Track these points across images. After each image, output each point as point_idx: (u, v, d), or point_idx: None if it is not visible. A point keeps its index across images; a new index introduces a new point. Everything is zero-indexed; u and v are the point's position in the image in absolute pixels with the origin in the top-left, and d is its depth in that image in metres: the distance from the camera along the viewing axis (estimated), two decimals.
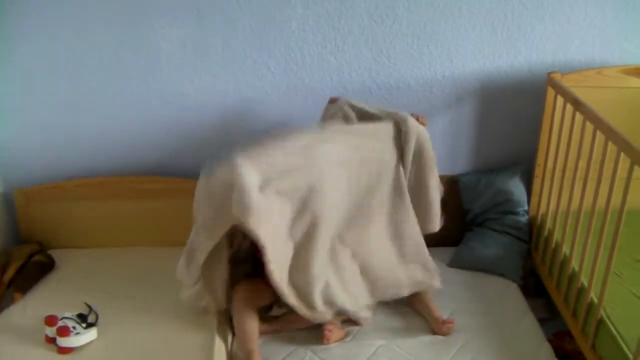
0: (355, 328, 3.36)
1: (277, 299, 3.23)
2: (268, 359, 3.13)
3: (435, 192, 3.57)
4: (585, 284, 3.16)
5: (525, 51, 3.88)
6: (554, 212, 3.64)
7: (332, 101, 3.62)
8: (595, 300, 3.04)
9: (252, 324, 3.17)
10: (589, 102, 3.20)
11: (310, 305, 3.13)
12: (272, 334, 3.32)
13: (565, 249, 3.47)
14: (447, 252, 3.99)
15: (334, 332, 3.23)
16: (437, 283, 3.50)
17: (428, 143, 3.47)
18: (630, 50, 3.89)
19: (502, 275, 3.80)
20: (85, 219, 3.99)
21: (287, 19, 3.71)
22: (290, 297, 3.08)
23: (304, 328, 3.29)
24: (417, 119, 3.48)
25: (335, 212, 3.26)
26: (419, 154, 3.47)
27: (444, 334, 3.30)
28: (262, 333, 3.24)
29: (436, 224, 3.61)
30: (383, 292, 3.41)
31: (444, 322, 3.30)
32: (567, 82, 3.61)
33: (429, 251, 3.58)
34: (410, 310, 3.49)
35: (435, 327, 3.34)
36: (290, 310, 3.23)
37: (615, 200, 2.83)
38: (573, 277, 3.33)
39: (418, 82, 3.94)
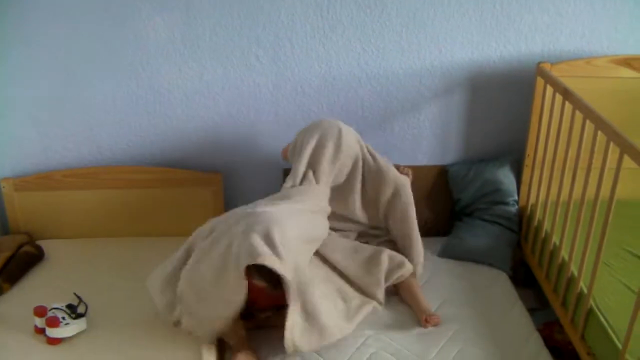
0: None
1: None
2: (258, 348, 3.13)
3: (414, 240, 3.63)
4: (575, 273, 3.17)
5: (514, 41, 3.88)
6: (543, 202, 3.65)
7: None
8: (585, 290, 3.05)
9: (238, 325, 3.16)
10: (578, 92, 3.21)
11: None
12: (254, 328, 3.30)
13: (555, 239, 3.48)
14: (437, 242, 3.99)
15: None
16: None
17: (405, 193, 3.62)
18: (619, 40, 3.89)
19: (491, 265, 3.80)
20: (74, 210, 3.98)
21: (276, 8, 3.70)
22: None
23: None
24: (401, 171, 3.69)
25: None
26: (396, 202, 3.63)
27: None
28: (246, 328, 3.22)
29: (418, 268, 3.62)
30: None
31: (426, 319, 3.28)
32: (556, 72, 3.62)
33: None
34: (399, 301, 3.49)
35: (420, 318, 3.33)
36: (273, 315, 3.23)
37: (605, 190, 2.83)
38: (563, 267, 3.34)
39: (407, 72, 3.94)
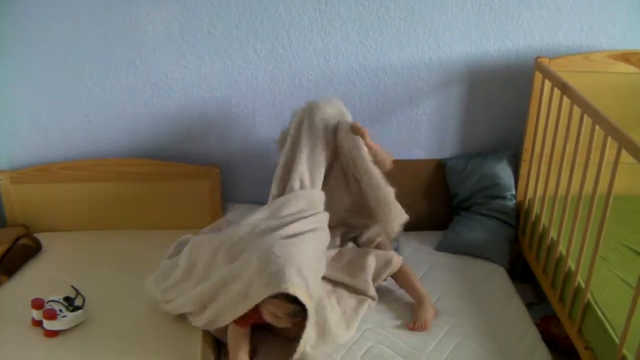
0: None
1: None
2: (257, 343, 3.13)
3: (378, 189, 3.42)
4: (572, 268, 3.17)
5: (512, 35, 3.88)
6: (541, 196, 3.65)
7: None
8: (582, 285, 3.05)
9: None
10: (576, 87, 3.21)
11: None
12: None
13: (552, 234, 3.47)
14: (435, 236, 3.98)
15: None
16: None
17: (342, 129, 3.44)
18: (617, 35, 3.89)
19: (489, 259, 3.81)
20: (71, 202, 3.97)
21: (274, 1, 3.70)
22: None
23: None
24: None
25: None
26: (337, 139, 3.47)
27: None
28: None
29: (394, 225, 3.47)
30: None
31: (412, 326, 3.26)
32: (554, 67, 3.62)
33: (418, 235, 3.67)
34: (397, 295, 3.49)
35: (419, 306, 3.33)
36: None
37: (603, 185, 2.84)
38: (560, 261, 3.34)
39: (405, 65, 3.93)
